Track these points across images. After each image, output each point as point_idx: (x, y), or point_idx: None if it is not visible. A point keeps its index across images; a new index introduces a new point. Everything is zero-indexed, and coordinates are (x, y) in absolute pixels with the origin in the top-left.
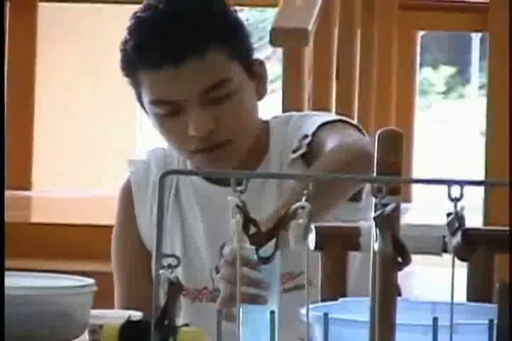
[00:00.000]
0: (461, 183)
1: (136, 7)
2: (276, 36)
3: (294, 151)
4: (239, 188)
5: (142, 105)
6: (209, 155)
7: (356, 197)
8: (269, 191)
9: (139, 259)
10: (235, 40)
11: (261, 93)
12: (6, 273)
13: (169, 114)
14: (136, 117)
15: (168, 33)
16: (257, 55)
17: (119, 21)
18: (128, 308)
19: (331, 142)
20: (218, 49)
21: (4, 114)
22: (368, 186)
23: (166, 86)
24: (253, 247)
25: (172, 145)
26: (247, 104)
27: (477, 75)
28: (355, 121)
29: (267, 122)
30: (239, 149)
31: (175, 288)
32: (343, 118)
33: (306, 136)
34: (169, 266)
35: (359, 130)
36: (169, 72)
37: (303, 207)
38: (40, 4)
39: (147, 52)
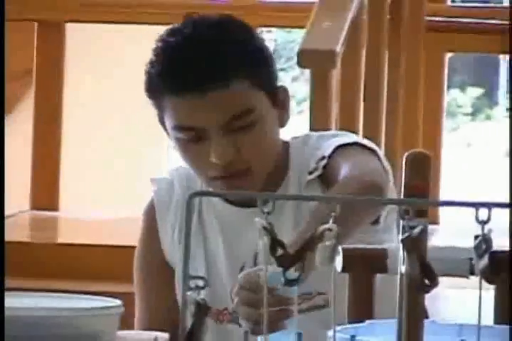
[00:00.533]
0: (489, 206)
1: (158, 28)
2: (304, 58)
3: (311, 172)
4: (266, 210)
5: (165, 127)
6: (228, 182)
7: (375, 220)
8: (287, 211)
9: (162, 276)
10: (259, 69)
11: (283, 120)
12: (32, 293)
13: (191, 139)
14: (164, 137)
15: (193, 60)
16: (286, 76)
17: (142, 40)
18: (146, 327)
19: (344, 169)
20: (243, 78)
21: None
22: (385, 208)
23: (190, 113)
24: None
25: (193, 169)
26: (269, 133)
27: (504, 97)
28: (382, 144)
29: (287, 143)
30: (258, 177)
31: (202, 309)
32: (360, 140)
33: (323, 158)
34: (196, 287)
35: (374, 153)
36: (193, 100)
37: (330, 229)
38: (68, 25)
39: (172, 79)
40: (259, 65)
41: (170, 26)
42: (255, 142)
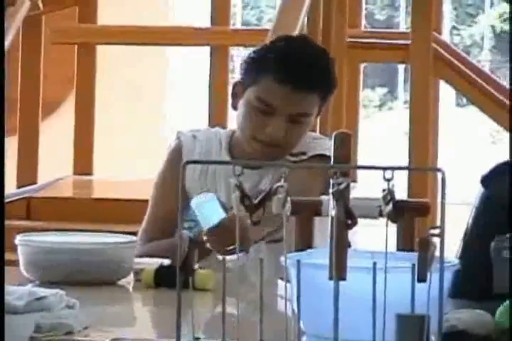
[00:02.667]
0: (392, 168)
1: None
2: None
3: (291, 155)
4: (237, 172)
5: (239, 90)
6: (263, 147)
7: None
8: (267, 176)
9: (175, 198)
10: (330, 91)
11: (314, 123)
12: (75, 233)
13: (262, 110)
14: (168, 118)
15: (305, 66)
16: None
17: (144, 55)
18: (153, 231)
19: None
20: (319, 93)
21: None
22: None
23: (277, 96)
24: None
25: (244, 128)
26: (306, 131)
27: (402, 94)
28: (317, 127)
29: None
30: (282, 153)
31: (193, 243)
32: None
33: (303, 153)
34: (189, 227)
35: None
36: (287, 89)
37: (282, 186)
38: (98, 46)
39: (284, 71)
40: (331, 89)
41: (283, 35)
42: (297, 134)
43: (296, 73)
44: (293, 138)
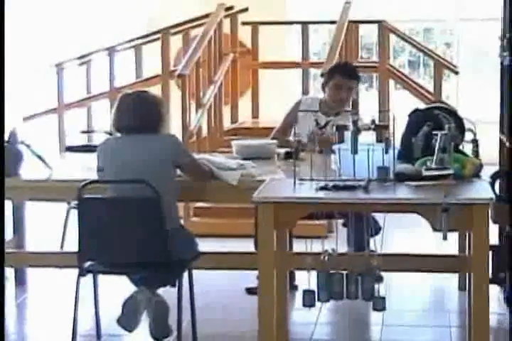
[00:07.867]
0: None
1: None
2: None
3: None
4: (318, 114)
5: (325, 83)
6: (337, 104)
7: None
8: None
9: (288, 122)
10: (359, 81)
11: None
12: (255, 140)
13: (336, 87)
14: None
15: (351, 70)
16: None
17: None
18: (276, 132)
19: None
20: (356, 81)
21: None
22: None
23: (342, 81)
24: None
25: (328, 95)
26: (352, 96)
27: (375, 87)
28: None
29: None
30: (343, 106)
31: (300, 145)
32: None
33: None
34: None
35: None
36: (346, 79)
37: (331, 120)
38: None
39: (343, 71)
40: (359, 81)
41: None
42: (350, 97)
43: (347, 72)
44: (348, 99)
